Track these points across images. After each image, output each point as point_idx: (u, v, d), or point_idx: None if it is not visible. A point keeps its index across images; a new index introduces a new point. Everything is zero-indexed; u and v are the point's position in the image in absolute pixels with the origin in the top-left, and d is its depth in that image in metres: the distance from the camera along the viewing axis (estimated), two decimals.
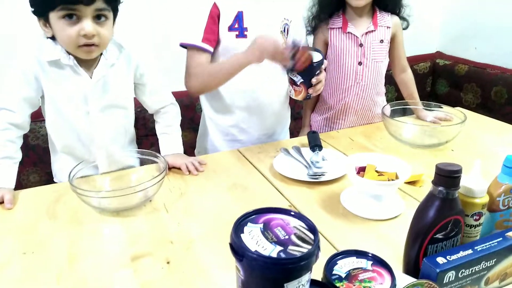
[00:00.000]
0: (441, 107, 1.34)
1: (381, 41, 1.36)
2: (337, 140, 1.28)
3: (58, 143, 1.10)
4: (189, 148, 1.70)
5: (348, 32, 1.34)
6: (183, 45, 1.20)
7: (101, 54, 1.03)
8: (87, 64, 1.02)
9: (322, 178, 1.01)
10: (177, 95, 1.83)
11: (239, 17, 1.18)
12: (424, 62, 2.37)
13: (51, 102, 1.03)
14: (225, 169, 1.10)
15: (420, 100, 1.46)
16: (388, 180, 0.87)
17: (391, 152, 1.18)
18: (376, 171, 0.92)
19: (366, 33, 1.34)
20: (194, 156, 1.47)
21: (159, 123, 1.20)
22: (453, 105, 2.24)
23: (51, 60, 0.98)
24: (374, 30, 1.34)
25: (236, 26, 1.18)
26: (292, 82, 1.11)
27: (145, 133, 1.79)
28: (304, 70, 1.05)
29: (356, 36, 1.34)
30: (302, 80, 1.08)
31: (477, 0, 2.18)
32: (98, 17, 0.95)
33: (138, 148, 1.31)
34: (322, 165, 1.08)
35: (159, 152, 1.12)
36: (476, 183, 0.66)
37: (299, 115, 1.85)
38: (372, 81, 1.38)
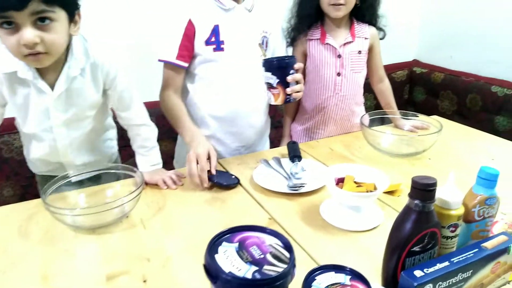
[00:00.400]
0: (417, 116, 1.36)
1: (359, 52, 1.37)
2: (317, 150, 1.28)
3: (29, 150, 1.09)
4: (169, 158, 1.68)
5: (327, 43, 1.35)
6: (159, 60, 1.22)
7: (64, 63, 0.94)
8: (50, 73, 0.94)
9: (302, 190, 1.01)
10: (154, 105, 1.82)
11: (215, 31, 1.18)
12: (401, 70, 2.41)
13: (15, 112, 0.99)
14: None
15: (398, 107, 1.49)
16: (367, 191, 0.88)
17: (370, 161, 1.20)
18: (355, 182, 0.92)
19: (344, 44, 1.35)
20: (174, 165, 1.46)
21: (133, 143, 1.14)
22: (430, 112, 2.30)
23: (8, 72, 0.91)
24: (352, 41, 1.35)
25: (213, 39, 1.18)
26: (269, 86, 1.11)
27: (123, 144, 1.76)
28: (277, 69, 1.07)
29: (334, 47, 1.35)
30: (278, 80, 1.08)
31: (453, 10, 2.23)
32: (41, 20, 0.82)
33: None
34: (301, 176, 1.08)
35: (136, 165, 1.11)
36: (452, 195, 0.67)
37: (279, 123, 1.85)
38: (351, 92, 1.39)
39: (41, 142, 1.04)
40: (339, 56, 1.35)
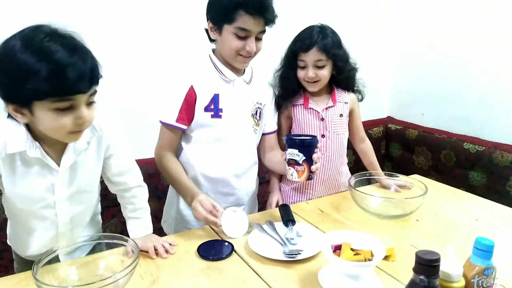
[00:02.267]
0: (398, 176, 1.41)
1: (341, 115, 1.44)
2: (308, 213, 1.29)
3: (15, 222, 1.04)
4: (153, 218, 1.65)
5: (310, 108, 1.42)
6: (161, 122, 1.27)
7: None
8: (55, 150, 0.93)
9: (299, 257, 1.01)
10: (142, 163, 1.80)
11: (215, 99, 1.23)
12: (377, 127, 2.52)
13: (10, 195, 0.93)
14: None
15: (377, 162, 1.55)
16: (365, 260, 0.89)
17: (360, 223, 1.22)
18: (352, 249, 0.94)
19: (326, 108, 1.42)
20: (162, 225, 1.44)
21: (125, 208, 1.13)
22: (407, 167, 2.40)
23: (12, 153, 0.87)
24: (333, 106, 1.43)
25: (212, 107, 1.23)
26: (294, 163, 1.11)
27: (106, 204, 1.71)
28: (305, 147, 1.10)
29: (317, 111, 1.41)
30: (304, 158, 1.10)
31: (422, 72, 2.39)
32: (89, 102, 0.86)
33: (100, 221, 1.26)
34: (297, 242, 1.08)
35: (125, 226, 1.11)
36: (453, 268, 0.69)
37: (263, 179, 1.87)
38: (336, 152, 1.45)
39: (40, 219, 0.99)
40: (322, 119, 1.42)
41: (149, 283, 0.93)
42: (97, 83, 0.84)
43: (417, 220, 1.24)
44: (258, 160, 1.41)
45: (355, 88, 1.48)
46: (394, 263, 1.01)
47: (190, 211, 1.31)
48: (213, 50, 1.28)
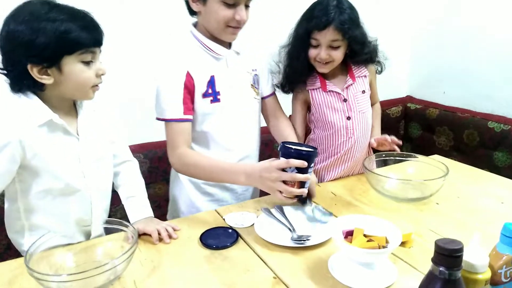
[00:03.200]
0: (417, 157, 1.32)
1: (363, 91, 1.34)
2: (319, 196, 1.22)
3: (34, 220, 0.99)
4: (164, 201, 1.61)
5: (330, 91, 1.31)
6: (162, 119, 1.14)
7: (76, 109, 1.00)
8: (67, 120, 0.96)
9: (308, 243, 0.95)
10: (150, 146, 1.75)
11: (211, 82, 1.14)
12: (395, 107, 2.40)
13: (40, 170, 0.92)
14: None
15: (378, 126, 1.46)
16: (379, 247, 0.82)
17: (375, 207, 1.15)
18: (365, 235, 0.87)
19: (347, 87, 1.31)
20: (166, 211, 1.39)
21: (122, 186, 1.12)
22: (427, 148, 2.29)
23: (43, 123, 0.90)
24: (353, 83, 1.32)
25: (210, 91, 1.14)
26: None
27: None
28: (303, 158, 0.95)
29: (338, 93, 1.31)
30: (296, 172, 0.96)
31: (442, 45, 2.25)
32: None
33: None
34: (327, 220, 1.03)
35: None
36: (478, 258, 0.61)
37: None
38: (363, 133, 1.34)
39: (73, 194, 0.98)
40: (345, 100, 1.31)
41: (149, 270, 0.88)
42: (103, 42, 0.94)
43: (437, 204, 1.16)
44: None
45: (377, 60, 1.36)
46: (411, 250, 0.93)
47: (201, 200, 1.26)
48: (195, 25, 1.16)
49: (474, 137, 2.03)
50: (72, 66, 0.89)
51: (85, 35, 0.88)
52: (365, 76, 1.35)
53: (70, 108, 1.00)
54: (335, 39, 1.20)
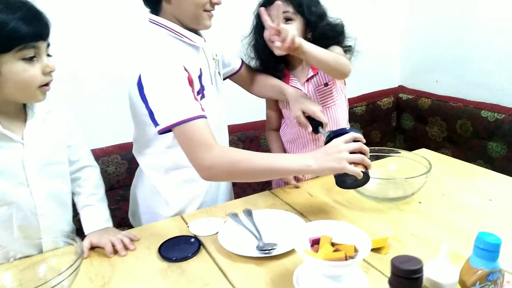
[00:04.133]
0: (399, 152, 1.23)
1: (325, 84, 1.21)
2: (295, 197, 1.14)
3: None
4: None
5: (291, 86, 1.21)
6: (177, 123, 0.90)
7: (26, 112, 0.91)
8: (16, 125, 0.88)
9: (274, 252, 0.87)
10: (129, 147, 1.67)
11: (200, 77, 1.03)
12: (387, 97, 2.32)
13: None
14: None
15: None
16: (346, 258, 0.74)
17: (353, 208, 1.07)
18: (332, 243, 0.78)
19: (307, 80, 1.21)
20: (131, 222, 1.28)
21: (80, 193, 1.03)
22: (419, 139, 2.20)
23: None
24: (314, 75, 1.21)
25: (200, 88, 1.02)
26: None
27: None
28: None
29: (298, 88, 1.21)
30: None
31: (434, 33, 2.16)
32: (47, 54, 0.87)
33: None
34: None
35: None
36: (445, 275, 0.53)
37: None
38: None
39: (12, 204, 0.89)
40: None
41: (98, 287, 0.81)
42: (49, 35, 0.86)
43: (420, 203, 1.07)
44: None
45: (343, 46, 1.20)
46: (387, 256, 0.85)
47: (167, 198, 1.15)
48: (153, 19, 1.02)
49: (467, 127, 1.94)
50: (11, 65, 0.80)
51: (24, 28, 0.78)
52: None
53: (18, 110, 0.91)
54: (285, 10, 1.12)
